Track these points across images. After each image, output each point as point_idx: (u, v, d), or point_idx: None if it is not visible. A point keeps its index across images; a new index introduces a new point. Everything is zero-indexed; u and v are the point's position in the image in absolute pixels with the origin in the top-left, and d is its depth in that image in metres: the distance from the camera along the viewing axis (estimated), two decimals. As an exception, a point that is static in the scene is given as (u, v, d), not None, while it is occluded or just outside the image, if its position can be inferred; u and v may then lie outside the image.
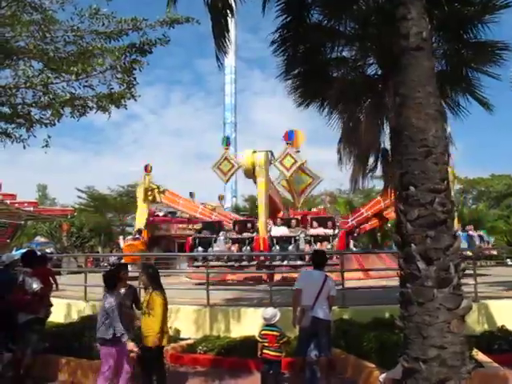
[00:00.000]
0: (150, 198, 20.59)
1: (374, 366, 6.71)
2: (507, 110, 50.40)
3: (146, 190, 20.29)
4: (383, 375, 5.62)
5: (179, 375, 7.61)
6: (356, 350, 7.36)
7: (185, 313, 9.72)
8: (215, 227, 16.65)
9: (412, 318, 4.17)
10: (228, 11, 6.14)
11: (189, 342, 8.94)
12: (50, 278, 8.30)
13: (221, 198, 28.65)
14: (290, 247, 14.10)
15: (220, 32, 6.21)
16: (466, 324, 4.26)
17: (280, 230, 15.18)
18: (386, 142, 6.66)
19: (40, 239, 33.90)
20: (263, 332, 6.51)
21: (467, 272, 5.21)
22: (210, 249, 15.35)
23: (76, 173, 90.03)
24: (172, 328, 9.28)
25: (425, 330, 4.03)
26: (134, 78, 7.20)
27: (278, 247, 14.30)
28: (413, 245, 4.22)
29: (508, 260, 23.93)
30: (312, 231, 14.88)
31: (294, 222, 15.60)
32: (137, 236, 19.68)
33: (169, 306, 9.72)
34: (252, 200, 44.37)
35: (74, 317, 10.36)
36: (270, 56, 7.12)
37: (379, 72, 6.86)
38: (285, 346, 6.58)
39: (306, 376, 6.35)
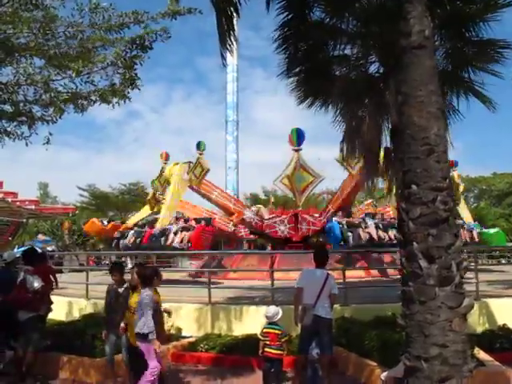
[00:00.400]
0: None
1: (375, 364, 6.72)
2: (509, 109, 50.33)
3: (150, 200, 21.92)
4: (385, 373, 5.62)
5: (180, 373, 7.63)
6: (358, 348, 7.37)
7: (186, 311, 9.72)
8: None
9: (414, 317, 4.17)
10: (232, 8, 6.13)
11: (190, 340, 8.94)
12: (51, 276, 8.31)
13: None
14: (163, 238, 15.90)
15: (225, 29, 6.20)
16: (468, 322, 4.26)
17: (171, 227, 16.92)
18: (388, 141, 6.65)
19: (41, 237, 33.94)
20: (265, 330, 6.53)
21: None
22: (121, 241, 17.62)
23: (78, 171, 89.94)
24: (173, 326, 9.32)
25: (426, 328, 4.04)
26: (136, 74, 7.19)
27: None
28: (415, 243, 4.22)
29: (502, 259, 23.92)
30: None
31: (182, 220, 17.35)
32: (104, 222, 22.64)
33: (170, 304, 9.81)
34: (253, 198, 44.46)
35: (76, 315, 10.38)
36: (272, 54, 7.11)
37: (381, 70, 6.85)
38: (286, 345, 6.59)
39: (307, 374, 6.36)
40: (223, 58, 6.38)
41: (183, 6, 6.89)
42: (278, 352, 6.41)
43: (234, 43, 6.35)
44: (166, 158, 21.36)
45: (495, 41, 6.61)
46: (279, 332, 6.44)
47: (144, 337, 5.81)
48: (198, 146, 18.96)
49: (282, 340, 6.44)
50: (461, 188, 20.26)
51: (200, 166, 18.46)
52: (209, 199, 20.33)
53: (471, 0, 6.37)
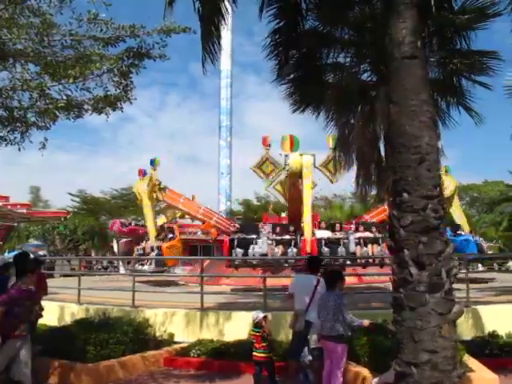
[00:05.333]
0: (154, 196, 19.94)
1: (366, 369, 6.75)
2: (500, 117, 50.76)
3: (154, 186, 19.35)
4: (376, 379, 5.66)
5: (173, 378, 7.62)
6: (349, 354, 7.39)
7: (179, 316, 9.72)
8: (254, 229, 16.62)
9: (404, 323, 4.22)
10: (221, 18, 6.21)
11: (182, 345, 8.94)
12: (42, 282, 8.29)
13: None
14: (339, 249, 14.53)
15: (209, 40, 6.29)
16: (458, 329, 4.31)
17: (324, 233, 15.54)
18: (381, 149, 6.71)
19: (33, 241, 33.77)
20: (251, 333, 6.78)
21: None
22: (250, 250, 15.08)
23: (71, 174, 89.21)
24: (166, 331, 9.32)
25: (417, 334, 4.09)
26: (131, 82, 7.24)
27: (326, 249, 14.62)
28: (405, 250, 4.28)
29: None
30: (359, 234, 15.42)
31: (338, 225, 16.19)
32: (170, 235, 20.04)
33: (163, 310, 9.82)
34: (246, 204, 44.44)
35: (67, 320, 10.33)
36: (265, 60, 7.17)
37: (374, 79, 6.93)
38: (271, 345, 6.76)
39: (299, 379, 6.39)
40: (204, 66, 6.46)
41: (178, 24, 6.97)
42: (263, 355, 6.52)
43: (219, 52, 6.43)
44: (143, 174, 19.98)
45: (484, 52, 6.72)
46: (259, 334, 6.56)
47: (340, 338, 5.89)
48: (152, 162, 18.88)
49: (265, 342, 6.56)
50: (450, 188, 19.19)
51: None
52: (176, 208, 20.06)
53: (461, 11, 6.47)
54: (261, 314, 6.73)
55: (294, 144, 17.12)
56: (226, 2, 6.17)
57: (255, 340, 6.60)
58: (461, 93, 7.15)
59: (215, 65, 6.55)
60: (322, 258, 7.49)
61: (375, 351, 6.91)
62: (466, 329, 8.85)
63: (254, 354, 6.57)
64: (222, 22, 6.25)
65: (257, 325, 6.66)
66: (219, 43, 6.44)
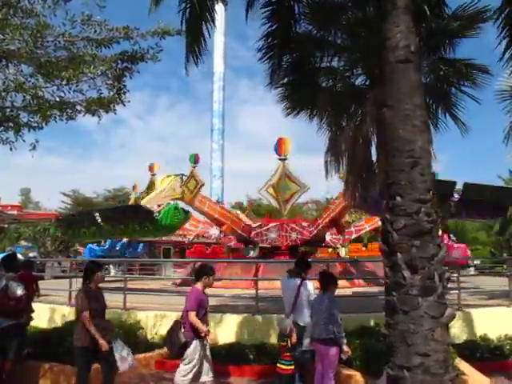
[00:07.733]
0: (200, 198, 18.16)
1: (358, 373, 6.76)
2: (489, 121, 51.36)
3: (199, 185, 17.32)
4: None
5: (164, 381, 7.58)
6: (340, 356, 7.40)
7: (170, 319, 9.64)
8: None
9: (397, 326, 4.23)
10: (208, 16, 6.26)
11: (174, 348, 8.88)
12: (33, 284, 8.24)
13: None
14: None
15: (194, 39, 6.35)
16: (449, 332, 4.33)
17: None
18: (373, 153, 6.73)
19: (23, 243, 33.51)
20: (281, 343, 6.50)
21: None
22: None
23: (63, 177, 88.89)
24: (157, 334, 9.26)
25: (409, 337, 4.10)
26: (124, 86, 7.24)
27: None
28: (398, 254, 4.29)
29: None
30: None
31: None
32: None
33: (155, 312, 9.75)
34: (238, 207, 44.37)
35: (58, 322, 10.25)
36: (258, 64, 7.20)
37: (367, 83, 6.96)
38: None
39: (295, 381, 6.38)
40: (187, 70, 6.54)
41: (172, 27, 6.99)
42: (283, 367, 6.34)
43: (204, 50, 6.50)
44: (152, 169, 19.76)
45: (474, 64, 6.81)
46: (285, 344, 6.34)
47: (331, 341, 5.77)
48: (191, 159, 17.47)
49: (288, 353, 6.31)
50: None
51: (194, 179, 16.84)
52: (202, 212, 18.88)
53: (453, 17, 6.51)
54: (288, 325, 6.31)
55: (287, 146, 17.25)
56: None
57: (281, 350, 6.38)
58: (449, 101, 7.21)
59: (198, 65, 6.59)
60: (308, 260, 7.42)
61: (367, 354, 6.92)
62: (457, 332, 8.89)
63: (277, 364, 6.39)
64: (210, 21, 6.29)
65: (285, 334, 6.30)
66: (205, 42, 6.49)
